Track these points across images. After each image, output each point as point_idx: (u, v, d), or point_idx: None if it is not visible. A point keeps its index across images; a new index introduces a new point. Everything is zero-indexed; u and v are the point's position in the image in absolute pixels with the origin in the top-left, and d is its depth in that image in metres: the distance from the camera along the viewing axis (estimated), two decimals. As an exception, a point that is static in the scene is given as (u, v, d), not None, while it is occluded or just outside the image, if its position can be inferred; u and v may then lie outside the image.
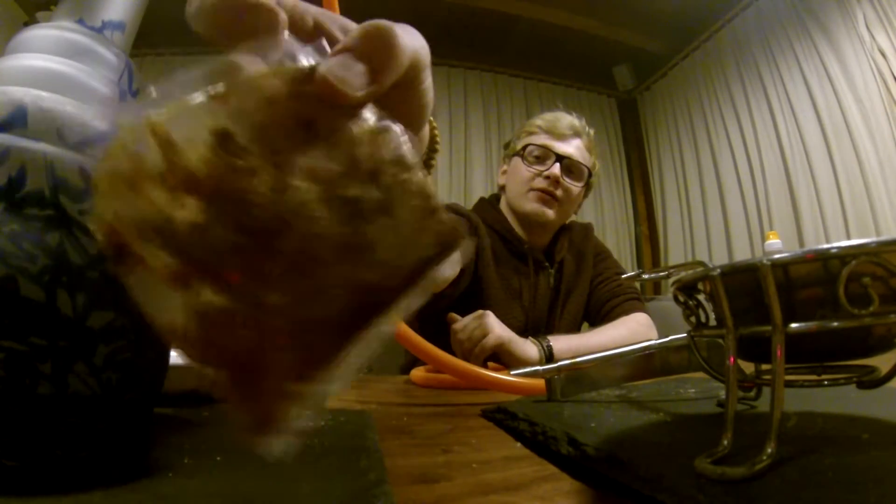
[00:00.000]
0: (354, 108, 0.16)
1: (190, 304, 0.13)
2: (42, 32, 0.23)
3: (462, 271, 0.84)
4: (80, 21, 0.24)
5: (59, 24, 0.23)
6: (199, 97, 0.15)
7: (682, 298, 0.25)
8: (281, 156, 0.14)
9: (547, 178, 0.98)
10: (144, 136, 0.14)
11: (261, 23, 0.16)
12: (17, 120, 0.19)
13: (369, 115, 0.16)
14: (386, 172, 0.16)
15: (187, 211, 0.14)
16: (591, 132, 1.06)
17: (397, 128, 0.16)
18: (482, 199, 1.13)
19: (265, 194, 0.14)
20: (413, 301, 0.16)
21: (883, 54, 1.96)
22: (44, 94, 0.20)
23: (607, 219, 3.15)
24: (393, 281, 0.15)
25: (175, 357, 0.32)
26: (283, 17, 0.17)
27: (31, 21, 2.19)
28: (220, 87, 0.15)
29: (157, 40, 2.62)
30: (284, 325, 0.14)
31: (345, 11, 0.36)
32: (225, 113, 0.14)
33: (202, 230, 0.13)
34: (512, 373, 0.45)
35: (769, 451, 0.18)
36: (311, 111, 0.15)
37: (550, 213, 0.98)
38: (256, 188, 0.14)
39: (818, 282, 0.20)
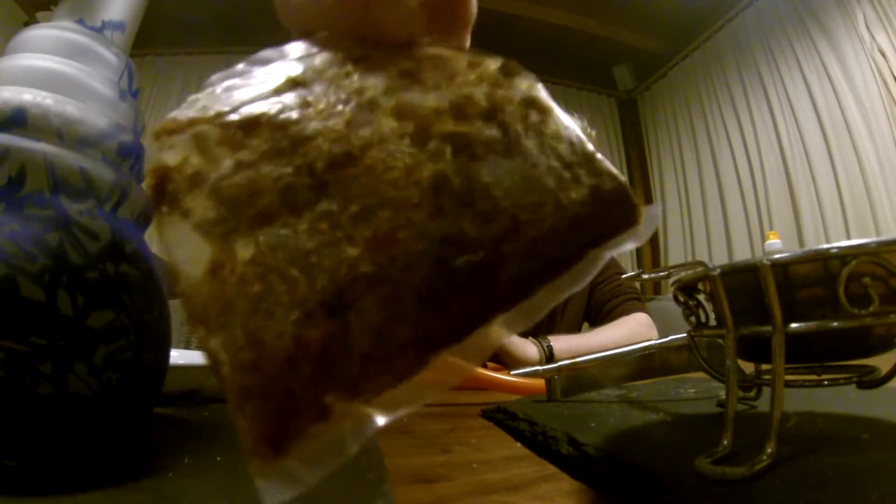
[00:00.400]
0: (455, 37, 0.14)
1: (216, 258, 0.11)
2: (42, 32, 0.23)
3: None
4: (80, 21, 0.24)
5: (59, 24, 0.23)
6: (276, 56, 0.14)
7: (682, 298, 0.25)
8: (360, 95, 0.13)
9: None
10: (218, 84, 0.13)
11: None
12: (17, 120, 0.19)
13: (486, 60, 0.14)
14: (506, 111, 0.13)
15: (241, 156, 0.12)
16: (594, 133, 1.06)
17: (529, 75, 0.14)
18: None
19: (326, 132, 0.12)
20: (559, 292, 0.12)
21: (883, 54, 1.96)
22: (44, 94, 0.20)
23: (607, 219, 3.14)
24: (520, 257, 0.12)
25: (175, 357, 0.32)
26: None
27: (31, 21, 2.18)
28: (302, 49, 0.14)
29: (157, 40, 2.62)
30: (333, 304, 0.11)
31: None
32: (300, 66, 0.14)
33: (251, 176, 0.12)
34: (512, 373, 0.45)
35: (769, 451, 0.18)
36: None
37: None
38: (315, 128, 0.12)
39: (818, 282, 0.20)
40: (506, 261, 0.12)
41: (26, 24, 0.28)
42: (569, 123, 0.14)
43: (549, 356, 0.81)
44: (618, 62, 3.16)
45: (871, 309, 0.19)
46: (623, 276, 0.37)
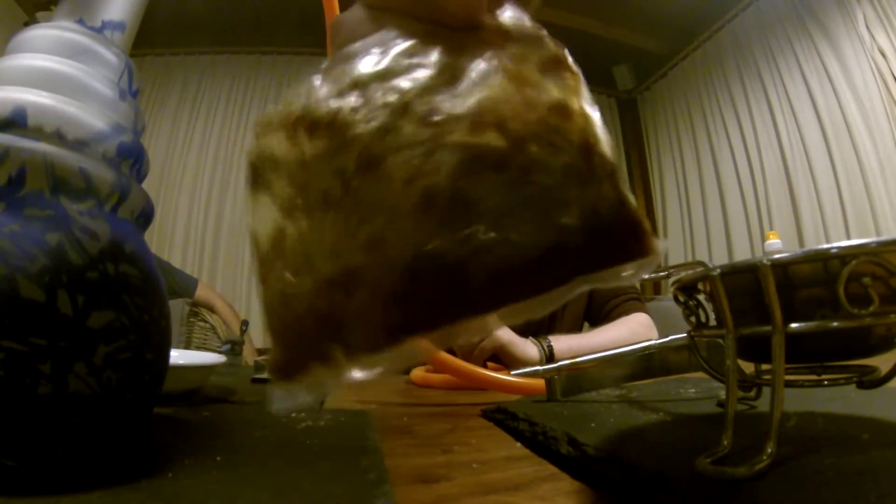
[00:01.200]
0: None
1: (278, 226, 0.15)
2: (42, 32, 0.23)
3: None
4: (80, 21, 0.24)
5: (59, 24, 0.23)
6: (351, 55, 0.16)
7: (682, 298, 0.25)
8: (399, 100, 0.15)
9: None
10: (300, 88, 0.16)
11: None
12: (17, 120, 0.19)
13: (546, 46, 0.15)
14: (525, 118, 0.13)
15: (309, 148, 0.15)
16: None
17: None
18: None
19: (362, 137, 0.14)
20: (538, 307, 0.13)
21: (883, 54, 1.96)
22: (44, 94, 0.20)
23: (607, 219, 3.14)
24: (497, 272, 0.13)
25: (175, 357, 0.32)
26: None
27: (31, 21, 2.18)
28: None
29: (157, 40, 2.62)
30: (338, 280, 0.14)
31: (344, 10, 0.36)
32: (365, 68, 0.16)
33: (310, 166, 0.15)
34: (512, 373, 0.45)
35: (769, 451, 0.18)
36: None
37: None
38: (355, 133, 0.14)
39: (818, 282, 0.20)
40: (474, 275, 0.13)
41: (26, 24, 0.28)
42: (601, 136, 0.14)
43: (550, 356, 0.81)
44: (618, 62, 3.16)
45: (871, 309, 0.19)
46: (623, 277, 0.37)
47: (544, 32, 0.16)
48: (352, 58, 0.16)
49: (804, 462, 0.18)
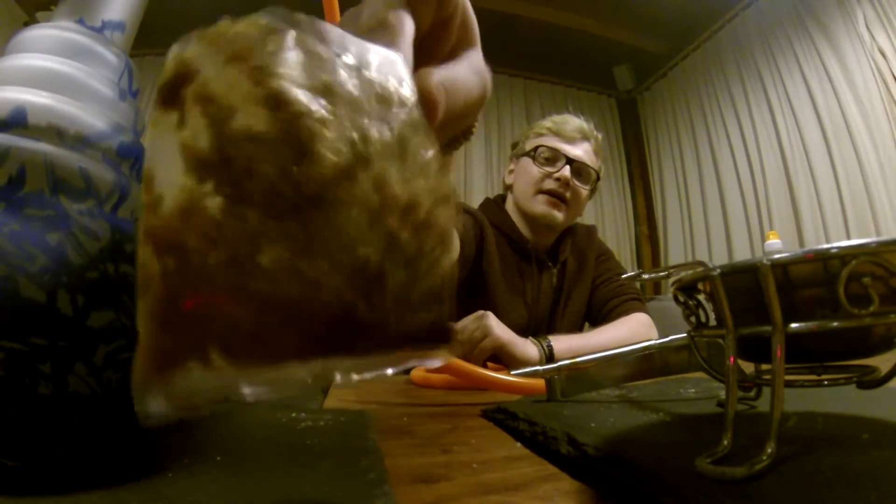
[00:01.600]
0: None
1: (189, 199, 0.12)
2: (42, 32, 0.23)
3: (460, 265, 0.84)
4: (80, 21, 0.24)
5: (59, 24, 0.23)
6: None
7: (682, 298, 0.25)
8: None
9: (557, 179, 0.98)
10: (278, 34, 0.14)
11: None
12: (17, 120, 0.19)
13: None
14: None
15: (257, 118, 0.13)
16: (600, 137, 1.07)
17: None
18: (487, 199, 1.14)
19: (332, 166, 0.13)
20: (364, 367, 0.14)
21: (883, 54, 1.96)
22: (44, 93, 0.20)
23: (607, 219, 3.15)
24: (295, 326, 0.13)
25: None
26: None
27: (31, 21, 2.19)
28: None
29: (157, 40, 2.62)
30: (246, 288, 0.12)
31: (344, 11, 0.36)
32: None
33: (251, 156, 0.13)
34: (512, 373, 0.45)
35: (769, 451, 0.18)
36: None
37: (560, 215, 0.99)
38: (328, 156, 0.13)
39: (818, 282, 0.20)
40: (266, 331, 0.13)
41: (26, 24, 0.28)
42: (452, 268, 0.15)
43: (550, 356, 0.81)
44: (618, 62, 3.16)
45: (871, 309, 0.19)
46: (623, 276, 0.37)
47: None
48: (336, 43, 0.14)
49: (804, 462, 0.18)
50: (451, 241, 0.15)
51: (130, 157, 0.23)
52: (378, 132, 0.14)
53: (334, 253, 0.13)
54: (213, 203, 0.12)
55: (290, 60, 0.14)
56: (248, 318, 0.12)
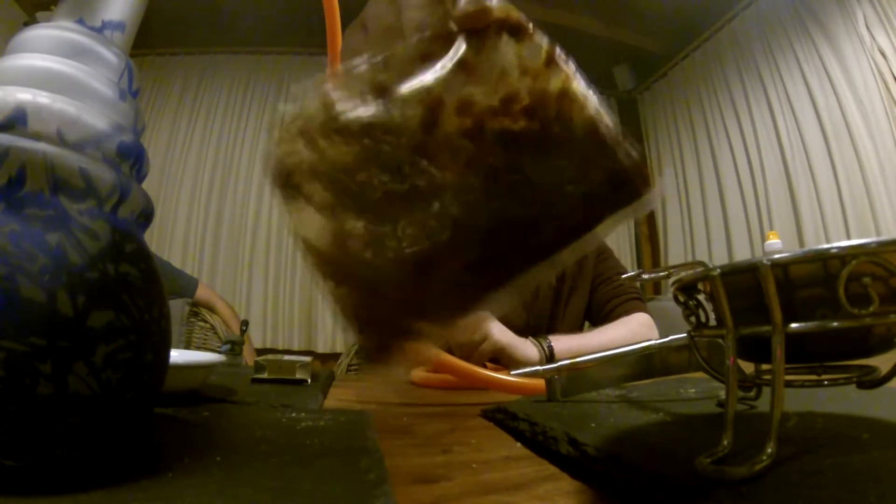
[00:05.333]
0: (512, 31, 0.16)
1: (334, 229, 0.16)
2: (42, 32, 0.23)
3: None
4: (80, 21, 0.24)
5: (59, 24, 0.23)
6: (361, 64, 0.17)
7: (682, 298, 0.25)
8: (431, 95, 0.16)
9: None
10: (316, 98, 0.17)
11: None
12: (17, 120, 0.19)
13: (536, 42, 0.16)
14: (544, 105, 0.16)
15: (344, 153, 0.16)
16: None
17: (561, 54, 0.16)
18: None
19: (408, 133, 0.15)
20: (575, 251, 0.16)
21: (883, 54, 1.96)
22: (44, 94, 0.20)
23: (607, 219, 3.14)
24: (553, 223, 0.15)
25: (175, 357, 0.32)
26: None
27: (31, 21, 2.18)
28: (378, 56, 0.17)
29: (157, 40, 2.62)
30: (419, 261, 0.15)
31: (344, 12, 0.36)
32: (381, 68, 0.17)
33: (352, 169, 0.16)
34: (512, 373, 0.45)
35: (769, 451, 0.18)
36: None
37: None
38: (400, 129, 0.15)
39: (818, 282, 0.20)
40: (542, 228, 0.15)
41: (26, 24, 0.28)
42: (598, 109, 0.17)
43: (550, 356, 0.81)
44: (618, 62, 3.16)
45: (871, 309, 0.19)
46: (623, 276, 0.37)
47: (531, 26, 0.17)
48: (363, 64, 0.17)
49: (804, 462, 0.18)
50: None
51: (130, 156, 0.23)
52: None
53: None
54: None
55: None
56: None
